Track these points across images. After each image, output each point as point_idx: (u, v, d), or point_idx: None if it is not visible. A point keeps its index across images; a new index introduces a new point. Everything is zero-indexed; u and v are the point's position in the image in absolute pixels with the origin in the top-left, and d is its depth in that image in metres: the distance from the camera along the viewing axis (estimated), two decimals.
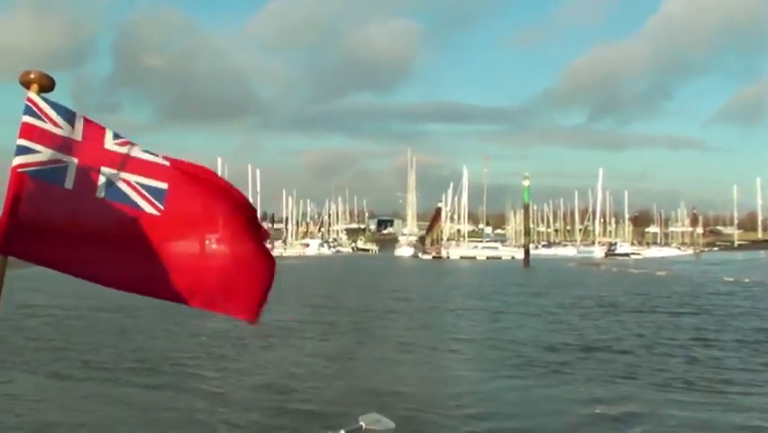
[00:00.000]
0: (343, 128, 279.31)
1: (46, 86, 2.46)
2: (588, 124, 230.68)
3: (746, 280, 36.50)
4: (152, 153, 2.61)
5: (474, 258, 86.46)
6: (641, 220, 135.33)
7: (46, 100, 2.45)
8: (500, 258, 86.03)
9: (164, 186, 2.58)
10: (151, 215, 2.55)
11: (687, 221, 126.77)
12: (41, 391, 10.61)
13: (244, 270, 2.69)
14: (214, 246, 2.64)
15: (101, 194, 2.50)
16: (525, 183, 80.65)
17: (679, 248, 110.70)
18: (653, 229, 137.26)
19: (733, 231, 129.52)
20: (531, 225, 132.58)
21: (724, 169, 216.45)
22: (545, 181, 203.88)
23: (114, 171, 2.52)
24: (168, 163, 2.61)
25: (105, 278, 2.57)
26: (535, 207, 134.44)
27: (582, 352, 14.61)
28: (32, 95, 2.43)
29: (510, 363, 13.48)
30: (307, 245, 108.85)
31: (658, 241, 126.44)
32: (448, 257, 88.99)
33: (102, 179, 2.51)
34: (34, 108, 2.42)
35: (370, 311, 22.59)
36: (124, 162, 2.54)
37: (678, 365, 13.13)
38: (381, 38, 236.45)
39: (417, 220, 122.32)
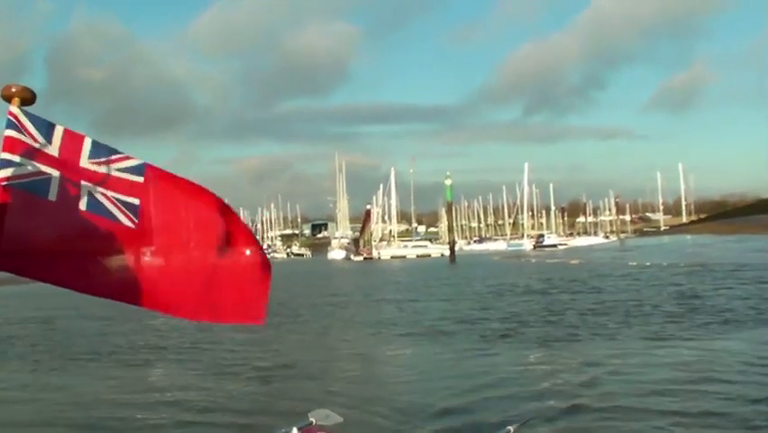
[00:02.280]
0: (279, 133, 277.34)
1: (27, 99, 2.50)
2: (523, 119, 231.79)
3: (647, 264, 39.35)
4: (127, 171, 2.66)
5: (404, 257, 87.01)
6: (571, 211, 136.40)
7: (26, 113, 2.49)
8: (430, 255, 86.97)
9: (136, 201, 2.64)
10: (128, 227, 2.61)
11: (614, 210, 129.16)
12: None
13: (227, 277, 2.77)
14: (189, 256, 2.73)
15: (82, 207, 2.53)
16: (448, 182, 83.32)
17: (607, 236, 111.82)
18: (582, 219, 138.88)
19: (660, 217, 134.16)
20: (463, 222, 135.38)
21: (651, 156, 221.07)
22: (483, 177, 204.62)
23: (92, 186, 2.58)
24: (141, 180, 2.67)
25: (90, 287, 2.59)
26: (466, 204, 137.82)
27: (470, 324, 17.79)
28: (14, 108, 2.47)
29: (428, 338, 16.03)
30: None
31: (588, 230, 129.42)
32: (379, 257, 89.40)
33: (82, 193, 2.54)
34: (15, 122, 2.46)
35: (302, 308, 24.25)
36: (101, 178, 2.61)
37: (551, 329, 16.19)
38: (318, 41, 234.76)
39: (353, 222, 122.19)
